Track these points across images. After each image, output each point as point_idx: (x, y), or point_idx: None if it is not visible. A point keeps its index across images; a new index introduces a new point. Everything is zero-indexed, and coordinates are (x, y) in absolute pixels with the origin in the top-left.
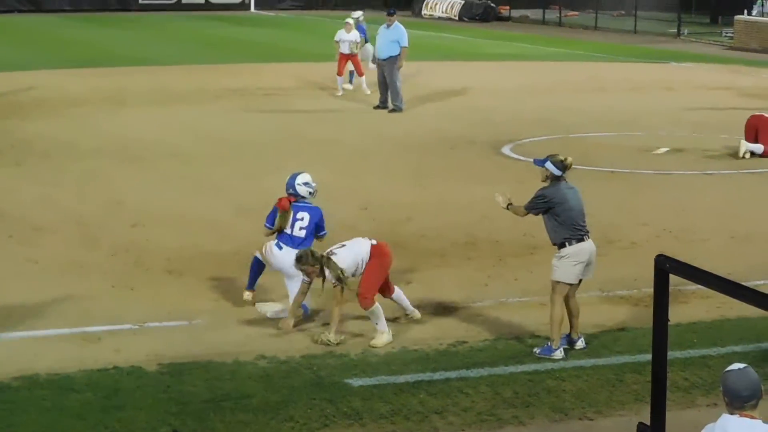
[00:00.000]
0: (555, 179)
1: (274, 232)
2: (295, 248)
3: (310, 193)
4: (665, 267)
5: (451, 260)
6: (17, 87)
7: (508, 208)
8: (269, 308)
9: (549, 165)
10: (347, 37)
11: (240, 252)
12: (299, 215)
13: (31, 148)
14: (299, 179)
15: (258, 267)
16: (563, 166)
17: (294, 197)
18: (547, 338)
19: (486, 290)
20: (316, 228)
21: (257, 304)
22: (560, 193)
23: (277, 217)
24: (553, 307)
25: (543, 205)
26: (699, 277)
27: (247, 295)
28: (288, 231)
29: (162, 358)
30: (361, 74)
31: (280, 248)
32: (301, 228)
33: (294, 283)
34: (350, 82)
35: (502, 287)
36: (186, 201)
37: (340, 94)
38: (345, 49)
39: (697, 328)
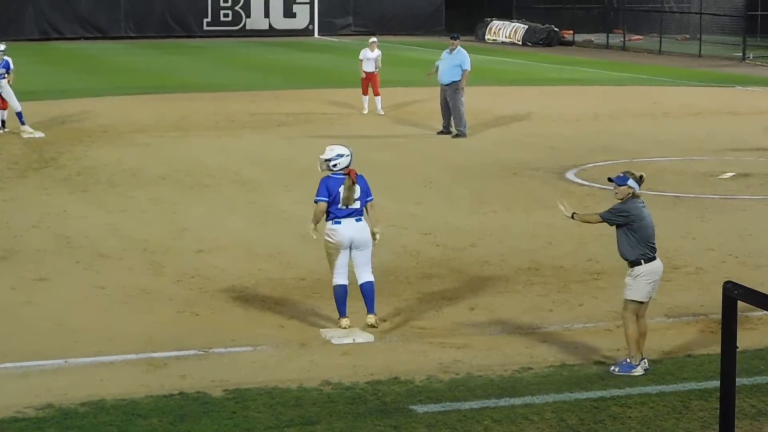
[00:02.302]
0: (632, 196)
1: (328, 205)
2: (354, 218)
3: (349, 162)
4: (733, 294)
5: (514, 286)
6: (83, 113)
7: (573, 217)
8: (335, 334)
9: (632, 183)
10: (371, 55)
11: (305, 278)
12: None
13: (96, 174)
14: (336, 151)
15: (344, 292)
16: (641, 183)
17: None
18: (615, 359)
19: (550, 316)
20: (365, 195)
21: (322, 331)
22: (638, 210)
23: (344, 189)
24: (626, 326)
25: (623, 219)
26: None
27: (345, 322)
28: (339, 205)
29: (227, 383)
30: (377, 94)
31: (339, 223)
32: (355, 199)
33: (363, 253)
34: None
35: (567, 313)
36: (250, 227)
37: (365, 112)
38: (369, 67)
39: (764, 354)
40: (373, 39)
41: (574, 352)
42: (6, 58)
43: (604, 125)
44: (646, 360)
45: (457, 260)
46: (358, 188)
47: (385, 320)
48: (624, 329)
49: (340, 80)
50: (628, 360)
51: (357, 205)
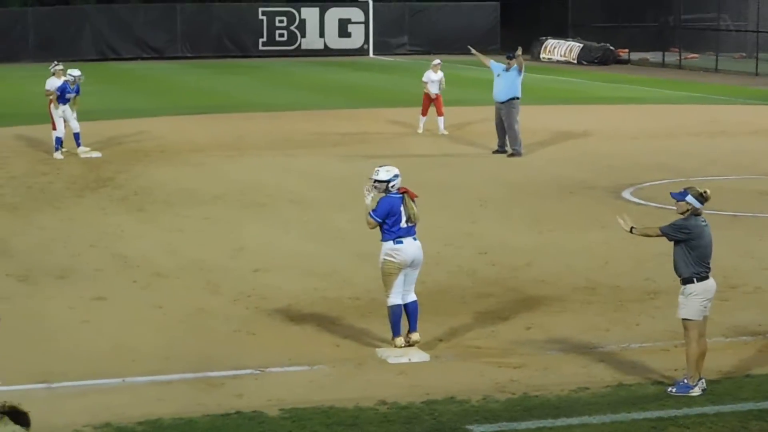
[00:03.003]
0: (694, 213)
1: (390, 225)
2: (411, 237)
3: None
4: None
5: (571, 305)
6: (140, 133)
7: (632, 231)
8: (390, 354)
9: (690, 198)
10: (435, 77)
11: (361, 298)
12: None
13: (153, 194)
14: (392, 173)
15: (400, 312)
16: (703, 199)
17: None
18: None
19: (607, 335)
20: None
21: (377, 350)
22: (699, 228)
23: (406, 207)
24: (688, 345)
25: (683, 236)
26: None
27: (400, 341)
28: (402, 224)
29: (283, 403)
30: (441, 114)
31: (402, 242)
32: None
33: (416, 272)
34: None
35: (624, 332)
36: (307, 246)
37: (420, 131)
38: (433, 89)
39: None
40: (437, 61)
41: (631, 372)
42: (78, 83)
43: (660, 144)
44: (703, 380)
45: (513, 279)
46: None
47: (441, 339)
48: (686, 349)
49: (395, 99)
50: (686, 380)
51: (412, 223)
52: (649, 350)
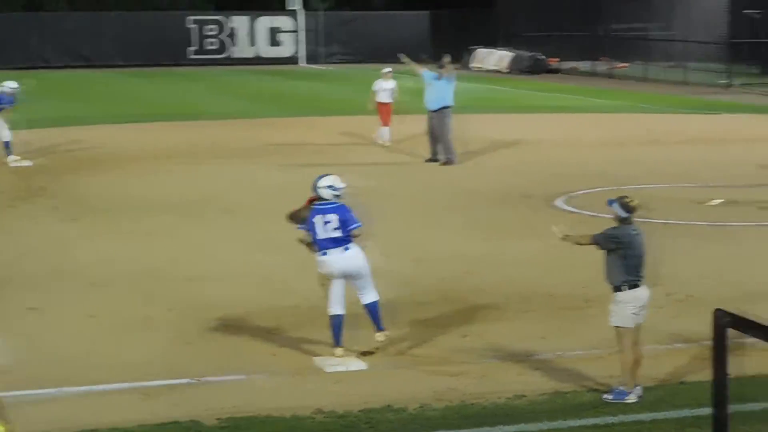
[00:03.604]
0: (623, 221)
1: (303, 226)
2: (340, 247)
3: (335, 195)
4: (724, 321)
5: (507, 314)
6: (73, 142)
7: (565, 239)
8: (328, 362)
9: (615, 207)
10: (387, 86)
11: (298, 306)
12: (328, 217)
13: (87, 203)
14: (322, 182)
15: (339, 322)
16: (628, 209)
17: (318, 198)
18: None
19: (543, 343)
20: (345, 224)
21: (315, 359)
22: (629, 237)
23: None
24: (622, 353)
25: (614, 244)
26: (759, 331)
27: (340, 351)
28: (323, 235)
29: (220, 412)
30: (387, 124)
31: (326, 254)
32: (334, 228)
33: (360, 281)
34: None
35: (560, 340)
36: (243, 256)
37: (386, 144)
38: (385, 98)
39: (757, 381)
40: (388, 69)
41: (567, 380)
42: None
43: (592, 152)
44: (639, 387)
45: (450, 288)
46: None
47: (378, 348)
48: (620, 356)
49: (327, 108)
50: (621, 387)
51: (339, 233)
52: (584, 358)
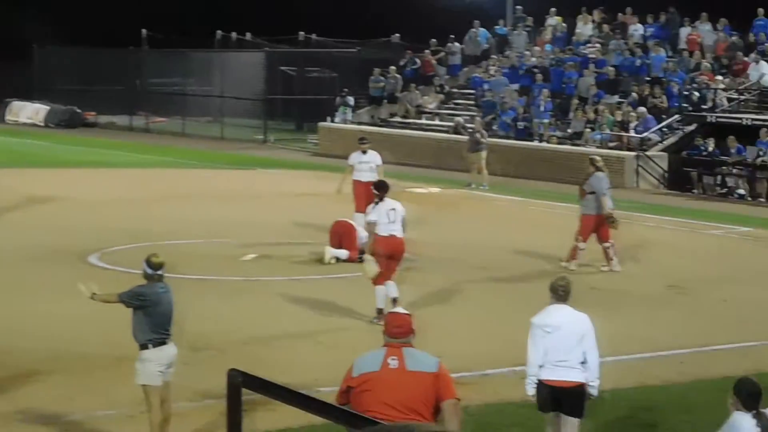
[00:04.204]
0: (150, 278)
1: None
2: None
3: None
4: (238, 381)
5: (38, 375)
6: None
7: (93, 298)
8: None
9: (144, 265)
10: None
11: None
12: None
13: None
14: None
15: None
16: (153, 266)
17: None
18: None
19: (73, 404)
20: None
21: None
22: (156, 296)
23: None
24: (150, 411)
25: (139, 302)
26: (271, 391)
27: None
28: None
29: None
30: None
31: None
32: None
33: None
34: None
35: (90, 400)
36: None
37: None
38: None
39: None
40: None
41: None
42: None
43: (127, 208)
44: None
45: None
46: None
47: None
48: (149, 415)
49: None
50: None
51: None
52: (115, 417)
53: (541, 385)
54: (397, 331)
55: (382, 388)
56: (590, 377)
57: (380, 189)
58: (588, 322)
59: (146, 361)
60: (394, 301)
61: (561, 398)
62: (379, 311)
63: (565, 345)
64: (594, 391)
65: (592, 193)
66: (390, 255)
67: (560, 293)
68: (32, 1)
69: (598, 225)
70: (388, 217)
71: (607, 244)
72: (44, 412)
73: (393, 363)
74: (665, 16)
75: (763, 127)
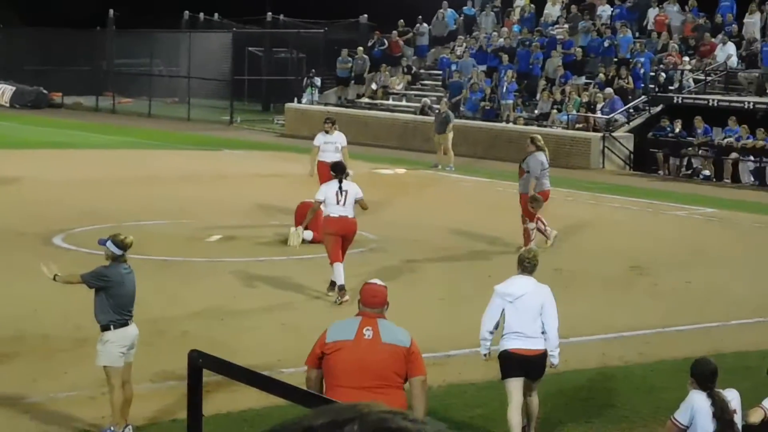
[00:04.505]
0: (115, 259)
1: None
2: None
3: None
4: (198, 362)
5: None
6: None
7: (55, 279)
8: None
9: (109, 244)
10: None
11: None
12: None
13: None
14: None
15: None
16: (123, 246)
17: None
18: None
19: (35, 386)
20: None
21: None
22: (119, 276)
23: None
24: (111, 392)
25: (103, 283)
26: (232, 372)
27: None
28: None
29: None
30: None
31: None
32: None
33: None
34: None
35: (51, 382)
36: None
37: None
38: None
39: (247, 416)
40: None
41: (58, 422)
42: None
43: (93, 190)
44: (130, 427)
45: None
46: None
47: None
48: (110, 396)
49: None
50: (113, 428)
51: None
52: (76, 399)
53: (508, 353)
54: (373, 300)
55: (355, 358)
56: (550, 346)
57: (336, 170)
58: (549, 294)
59: (108, 342)
60: (341, 289)
61: (526, 366)
62: (340, 288)
63: (527, 315)
64: (555, 360)
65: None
66: (342, 235)
67: (526, 265)
68: None
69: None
70: (336, 198)
71: (531, 225)
72: (6, 394)
73: (368, 333)
74: None
75: (730, 111)
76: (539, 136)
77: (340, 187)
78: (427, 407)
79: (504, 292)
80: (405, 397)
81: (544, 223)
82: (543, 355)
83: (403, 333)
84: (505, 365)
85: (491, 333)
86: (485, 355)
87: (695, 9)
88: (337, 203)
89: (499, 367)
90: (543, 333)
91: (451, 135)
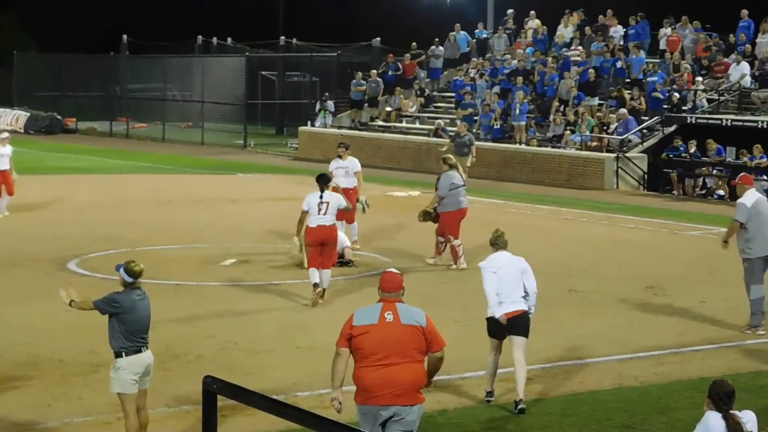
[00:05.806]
0: (128, 285)
1: None
2: None
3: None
4: (213, 388)
5: (14, 382)
6: None
7: (71, 304)
8: None
9: (122, 271)
10: (4, 151)
11: None
12: None
13: None
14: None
15: None
16: (132, 273)
17: None
18: None
19: (49, 411)
20: None
21: None
22: (131, 302)
23: None
24: (126, 419)
25: (114, 309)
26: (245, 397)
27: None
28: None
29: None
30: (11, 193)
31: None
32: None
33: None
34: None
35: (66, 407)
36: None
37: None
38: (3, 165)
39: None
40: (5, 134)
41: None
42: None
43: (106, 214)
44: None
45: None
46: None
47: None
48: (125, 422)
49: None
50: None
51: None
52: (91, 424)
53: (494, 317)
54: (390, 286)
55: (379, 339)
56: (531, 302)
57: (319, 181)
58: (525, 262)
59: (120, 369)
60: (315, 286)
61: (511, 325)
62: (315, 285)
63: (510, 282)
64: (532, 311)
65: None
66: (321, 243)
67: (499, 243)
68: (13, 8)
69: (459, 219)
70: (318, 209)
71: (441, 239)
72: (21, 419)
73: (389, 317)
74: (645, 18)
75: (743, 131)
76: (451, 156)
77: (321, 198)
78: (436, 373)
79: (490, 265)
80: (424, 370)
81: (442, 244)
82: (524, 314)
83: (419, 314)
84: (493, 326)
85: (498, 295)
86: (501, 316)
87: (707, 29)
88: (319, 212)
89: (486, 327)
90: (524, 296)
91: (470, 158)
